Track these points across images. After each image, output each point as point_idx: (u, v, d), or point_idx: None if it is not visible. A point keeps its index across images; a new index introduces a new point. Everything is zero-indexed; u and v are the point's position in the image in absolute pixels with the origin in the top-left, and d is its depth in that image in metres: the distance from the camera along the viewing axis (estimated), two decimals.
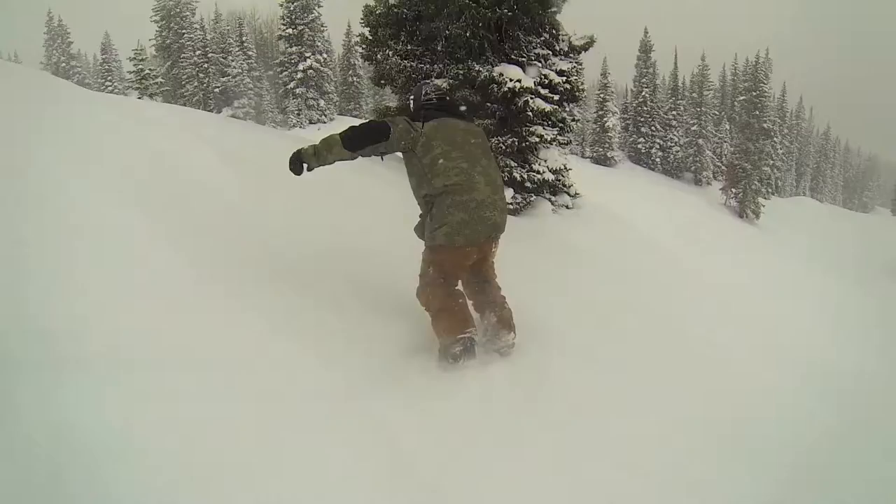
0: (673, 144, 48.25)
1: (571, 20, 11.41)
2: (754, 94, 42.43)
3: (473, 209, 3.87)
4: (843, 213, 57.44)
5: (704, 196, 41.76)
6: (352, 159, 3.97)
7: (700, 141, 47.90)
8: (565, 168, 11.76)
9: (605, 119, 44.49)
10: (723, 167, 46.18)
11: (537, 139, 10.41)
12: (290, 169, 3.90)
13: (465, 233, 3.88)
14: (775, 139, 45.18)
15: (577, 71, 11.42)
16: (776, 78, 49.08)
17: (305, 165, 3.89)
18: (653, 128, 47.97)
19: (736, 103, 50.25)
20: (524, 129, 10.41)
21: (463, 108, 4.76)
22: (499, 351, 4.09)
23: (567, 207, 12.10)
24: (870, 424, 4.79)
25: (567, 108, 11.65)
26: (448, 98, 4.37)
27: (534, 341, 4.25)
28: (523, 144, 10.46)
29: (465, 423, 3.32)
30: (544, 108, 10.13)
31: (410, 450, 3.01)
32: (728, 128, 51.64)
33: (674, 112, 49.01)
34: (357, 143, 3.86)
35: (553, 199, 11.82)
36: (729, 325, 7.52)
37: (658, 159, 47.74)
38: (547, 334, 4.45)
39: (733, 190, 40.23)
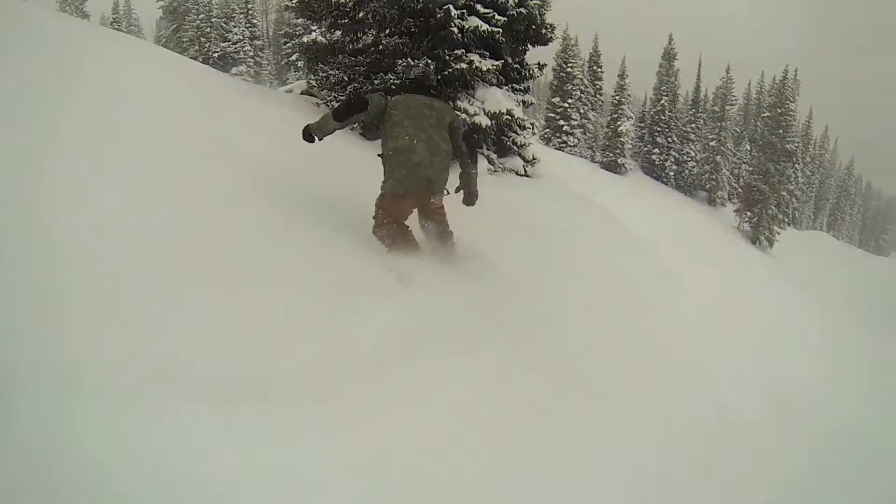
0: (689, 159, 45.40)
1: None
2: (779, 111, 39.72)
3: (411, 168, 4.78)
4: (860, 254, 55.62)
5: (717, 216, 39.62)
6: (342, 128, 5.04)
7: (718, 158, 45.22)
8: (513, 119, 9.33)
9: (618, 123, 41.79)
10: (739, 189, 43.71)
11: (465, 66, 7.88)
12: (304, 139, 4.99)
13: (405, 185, 4.83)
14: (797, 165, 42.48)
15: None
16: (803, 103, 46.28)
17: (316, 136, 4.97)
18: (669, 139, 45.04)
19: (759, 121, 47.52)
20: (447, 52, 8.01)
21: (431, 86, 5.43)
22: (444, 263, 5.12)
23: (517, 174, 9.93)
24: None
25: (522, 48, 9.31)
26: (420, 80, 5.41)
27: None
28: (447, 73, 7.95)
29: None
30: (478, 26, 7.62)
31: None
32: (748, 148, 48.83)
33: (693, 125, 46.15)
34: (342, 114, 4.93)
35: (495, 157, 9.69)
36: (723, 350, 7.41)
37: (672, 173, 44.89)
38: None
39: (748, 213, 37.88)
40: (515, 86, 9.85)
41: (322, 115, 5.04)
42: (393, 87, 8.13)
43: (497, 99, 8.91)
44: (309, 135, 4.91)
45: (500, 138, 9.62)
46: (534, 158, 10.23)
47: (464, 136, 5.17)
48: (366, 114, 4.90)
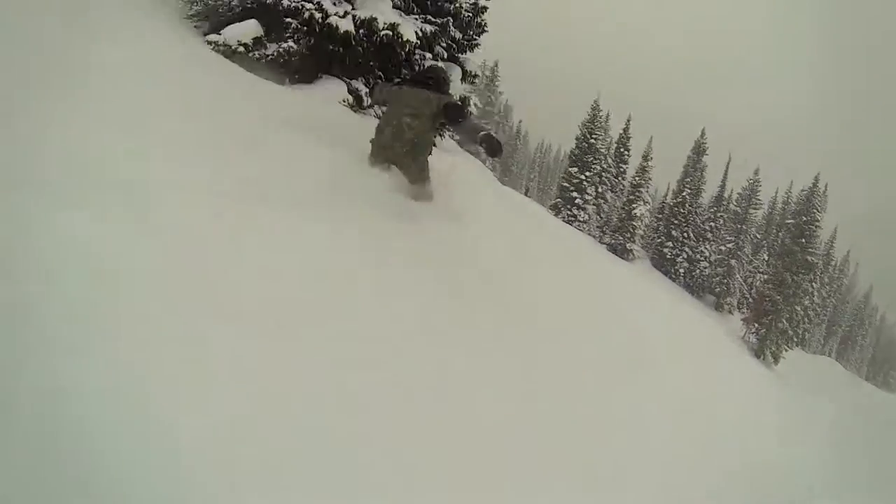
0: (702, 258, 42.77)
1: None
2: (805, 219, 37.23)
3: (380, 145, 5.93)
4: (869, 388, 52.32)
5: (723, 323, 36.94)
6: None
7: (733, 262, 42.53)
8: (396, 38, 7.63)
9: (634, 206, 39.37)
10: (750, 299, 41.10)
11: None
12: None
13: (377, 153, 5.94)
14: (815, 283, 39.63)
15: None
16: (828, 221, 43.75)
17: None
18: (685, 234, 42.49)
19: (781, 229, 45.18)
20: None
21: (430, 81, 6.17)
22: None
23: None
24: None
25: None
26: (424, 75, 6.41)
27: None
28: None
29: None
30: None
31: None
32: (766, 258, 46.19)
33: (712, 223, 43.67)
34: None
35: (364, 94, 8.08)
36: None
37: (682, 270, 42.19)
38: None
39: (756, 324, 35.15)
40: (431, 18, 8.25)
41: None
42: None
43: (379, 8, 6.91)
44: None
45: (384, 64, 7.97)
46: None
47: (450, 105, 5.78)
48: (373, 97, 6.86)
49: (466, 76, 9.34)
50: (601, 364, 6.74)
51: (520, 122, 76.19)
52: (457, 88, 9.05)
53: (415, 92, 5.92)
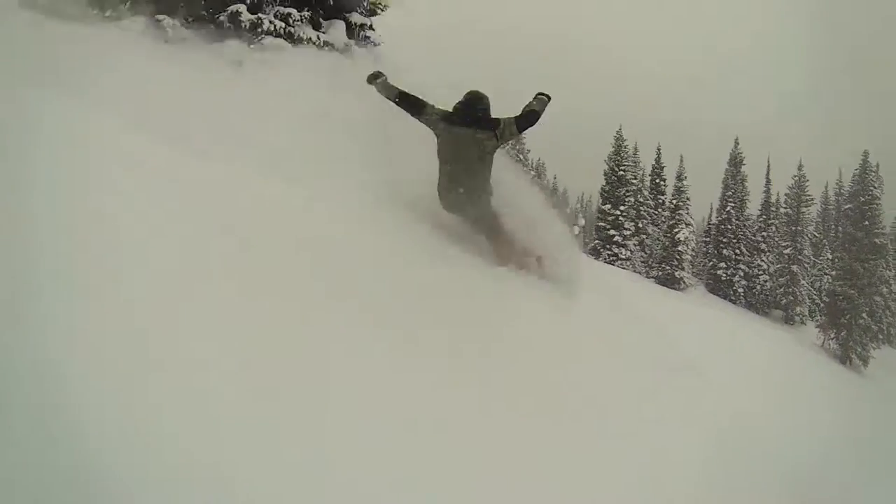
0: (761, 272, 40.06)
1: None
2: (862, 199, 34.87)
3: (440, 189, 5.73)
4: None
5: (796, 335, 33.91)
6: (393, 101, 5.73)
7: (794, 268, 39.43)
8: None
9: (676, 230, 37.40)
10: (821, 302, 38.27)
11: None
12: (367, 79, 5.76)
13: (440, 196, 5.78)
14: (890, 269, 36.52)
15: None
16: (889, 198, 40.58)
17: (375, 85, 5.74)
18: (737, 251, 40.01)
19: (840, 218, 42.58)
20: None
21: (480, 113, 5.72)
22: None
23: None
24: None
25: None
26: (464, 106, 5.64)
27: None
28: None
29: None
30: None
31: None
32: (830, 256, 43.14)
33: (764, 233, 41.04)
34: (402, 100, 5.67)
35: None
36: None
37: (741, 289, 39.52)
38: None
39: (834, 329, 32.52)
40: None
41: (392, 84, 5.71)
42: None
43: None
44: (374, 79, 5.71)
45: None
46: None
47: (518, 121, 5.65)
48: (416, 116, 5.64)
49: (352, 28, 8.44)
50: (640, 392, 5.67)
51: (554, 177, 74.68)
52: (340, 41, 8.08)
53: (468, 133, 5.51)
